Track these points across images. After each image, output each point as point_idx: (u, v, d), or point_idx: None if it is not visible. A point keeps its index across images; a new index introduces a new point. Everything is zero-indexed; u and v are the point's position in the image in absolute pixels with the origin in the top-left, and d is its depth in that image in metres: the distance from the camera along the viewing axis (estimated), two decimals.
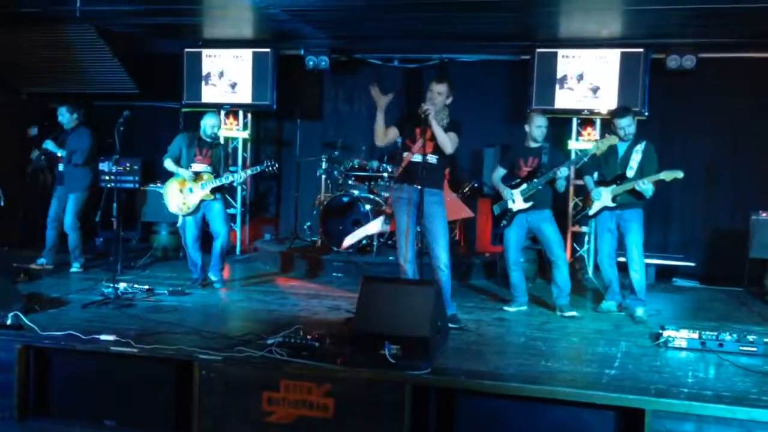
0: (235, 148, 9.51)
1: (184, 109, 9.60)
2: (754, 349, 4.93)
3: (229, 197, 8.52)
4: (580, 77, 8.37)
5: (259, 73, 9.20)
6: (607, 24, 7.67)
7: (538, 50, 8.44)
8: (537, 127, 6.24)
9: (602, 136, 8.34)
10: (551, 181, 6.12)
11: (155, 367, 4.54)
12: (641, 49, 8.14)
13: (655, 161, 6.07)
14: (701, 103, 8.62)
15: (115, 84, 9.38)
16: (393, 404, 4.15)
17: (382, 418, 4.18)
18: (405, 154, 5.70)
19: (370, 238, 8.04)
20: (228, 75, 9.32)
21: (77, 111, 7.71)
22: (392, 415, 4.14)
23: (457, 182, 8.76)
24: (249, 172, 7.04)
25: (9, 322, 4.91)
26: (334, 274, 7.91)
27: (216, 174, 6.81)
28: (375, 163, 8.66)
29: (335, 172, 8.79)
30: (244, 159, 9.65)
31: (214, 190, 6.76)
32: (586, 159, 6.24)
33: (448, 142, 5.51)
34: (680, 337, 5.10)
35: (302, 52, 9.20)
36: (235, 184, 6.85)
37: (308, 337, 4.70)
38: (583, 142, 8.50)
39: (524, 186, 6.21)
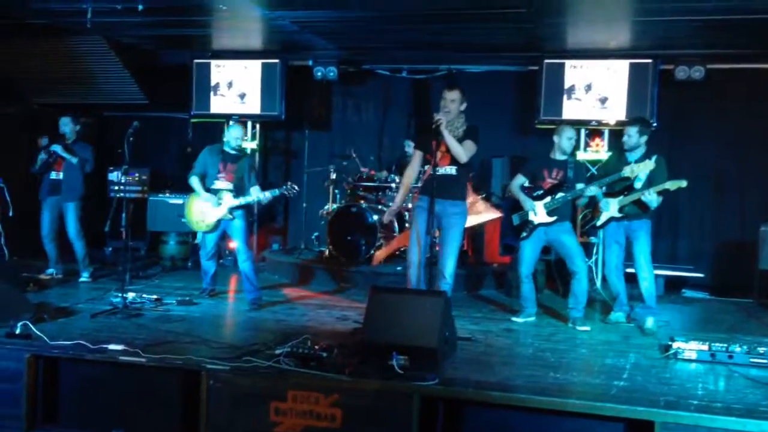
0: (253, 165, 9.52)
1: (193, 120, 9.65)
2: (765, 360, 4.89)
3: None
4: (588, 88, 8.37)
5: (267, 83, 9.24)
6: (616, 35, 7.68)
7: (546, 61, 8.45)
8: (567, 139, 6.17)
9: (610, 146, 8.38)
10: (575, 197, 6.11)
11: (163, 376, 4.55)
12: (649, 60, 8.13)
13: (664, 175, 6.03)
14: (710, 114, 8.61)
15: (125, 95, 9.46)
16: (401, 415, 4.13)
17: (390, 429, 4.16)
18: (426, 168, 5.70)
19: (378, 248, 8.05)
20: (237, 85, 9.36)
21: (79, 123, 7.69)
22: (400, 426, 4.13)
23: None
24: (269, 195, 6.63)
25: (18, 331, 4.93)
26: (341, 284, 7.90)
27: (239, 190, 6.60)
28: (383, 174, 8.68)
29: (343, 183, 8.81)
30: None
31: (232, 210, 6.58)
32: (614, 179, 6.18)
33: (461, 151, 5.51)
34: (690, 348, 5.07)
35: (311, 62, 9.25)
36: (253, 203, 6.72)
37: (316, 347, 4.69)
38: (591, 153, 8.49)
39: (548, 199, 6.13)
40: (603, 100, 8.32)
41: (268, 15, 7.33)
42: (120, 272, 6.72)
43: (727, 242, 8.60)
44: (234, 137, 6.70)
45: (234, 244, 6.79)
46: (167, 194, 9.08)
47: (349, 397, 4.23)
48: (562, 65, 8.43)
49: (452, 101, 5.64)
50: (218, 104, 9.44)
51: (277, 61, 9.18)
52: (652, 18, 6.83)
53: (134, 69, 9.16)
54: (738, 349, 4.97)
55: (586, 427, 4.04)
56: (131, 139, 6.19)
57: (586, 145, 8.58)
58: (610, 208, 6.19)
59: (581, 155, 8.45)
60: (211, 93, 9.43)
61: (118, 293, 6.18)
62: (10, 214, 6.90)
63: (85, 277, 7.64)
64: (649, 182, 6.04)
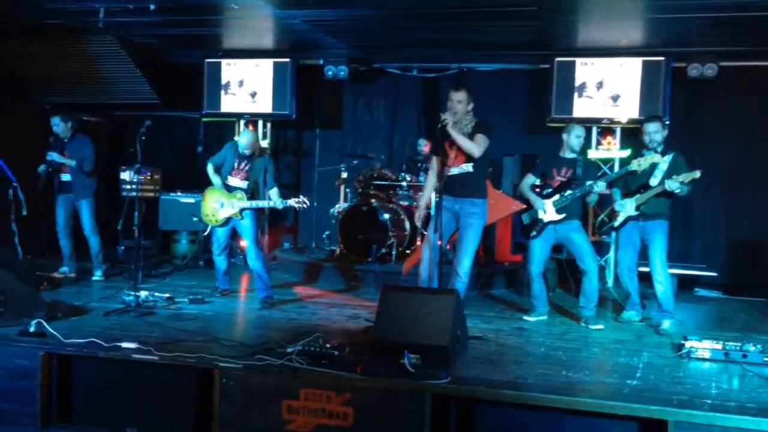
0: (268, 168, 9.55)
1: (204, 119, 9.68)
2: None
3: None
4: (600, 85, 8.33)
5: (279, 83, 9.26)
6: (628, 32, 7.64)
7: (558, 59, 8.42)
8: (576, 137, 6.16)
9: (622, 144, 8.35)
10: (584, 194, 6.10)
11: (176, 374, 4.57)
12: (662, 58, 8.09)
13: (684, 168, 5.97)
14: (722, 112, 8.56)
15: (137, 94, 9.49)
16: (412, 414, 4.13)
17: (402, 428, 4.16)
18: (444, 169, 5.70)
19: (389, 246, 8.05)
20: (248, 84, 9.38)
21: (70, 120, 7.70)
22: (412, 424, 4.13)
23: None
24: (280, 205, 6.56)
25: (32, 329, 4.96)
26: (353, 283, 7.91)
27: (253, 191, 6.65)
28: (396, 172, 8.68)
29: (354, 182, 8.81)
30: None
31: (242, 210, 6.60)
32: (620, 174, 6.17)
33: (472, 146, 5.51)
34: (703, 347, 5.04)
35: (321, 62, 9.26)
36: (265, 207, 6.74)
37: (327, 345, 4.69)
38: (603, 151, 8.46)
39: (557, 197, 6.13)
40: (615, 98, 8.28)
41: (279, 14, 7.34)
42: (132, 271, 6.75)
43: (740, 241, 8.55)
44: (243, 144, 6.72)
45: (244, 243, 6.82)
46: (179, 193, 9.11)
47: (361, 395, 4.23)
48: (573, 63, 8.39)
49: (459, 102, 5.63)
50: (229, 103, 9.47)
51: (288, 60, 9.20)
52: (664, 15, 6.79)
53: (146, 68, 9.20)
54: (752, 348, 4.94)
55: (598, 426, 4.03)
56: (143, 138, 6.22)
57: (598, 143, 8.54)
58: (627, 207, 6.16)
59: (593, 153, 8.42)
60: (222, 92, 9.46)
61: (131, 292, 6.20)
62: (24, 213, 6.93)
63: (97, 275, 7.69)
64: (667, 178, 5.99)
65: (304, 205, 6.55)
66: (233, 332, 5.58)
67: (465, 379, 4.33)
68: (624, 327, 6.20)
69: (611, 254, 8.27)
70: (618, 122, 8.30)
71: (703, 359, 5.01)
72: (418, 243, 8.15)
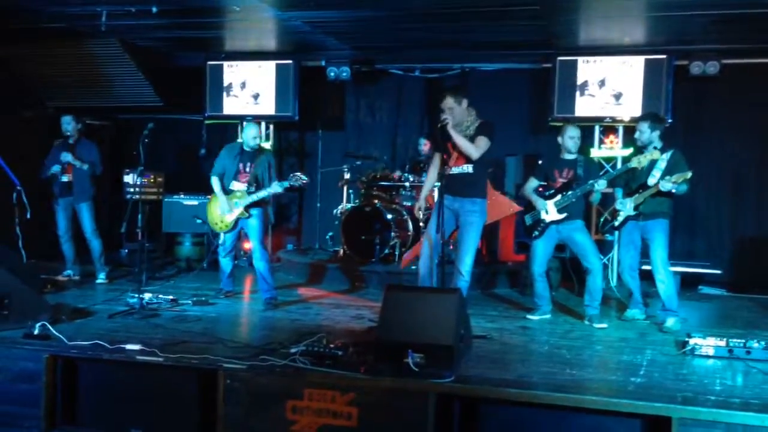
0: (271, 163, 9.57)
1: (206, 122, 9.69)
2: None
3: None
4: (602, 83, 8.32)
5: (281, 84, 9.27)
6: (629, 31, 7.64)
7: (560, 58, 8.41)
8: (569, 138, 6.17)
9: (625, 143, 8.34)
10: (586, 194, 6.09)
11: (180, 375, 4.57)
12: (664, 56, 8.08)
13: (682, 166, 5.98)
14: (725, 110, 8.55)
15: (140, 97, 9.51)
16: (417, 413, 4.13)
17: (406, 427, 4.16)
18: (445, 168, 5.70)
19: (392, 247, 8.06)
20: (250, 86, 9.40)
21: (80, 121, 7.72)
22: (416, 423, 4.12)
23: None
24: (279, 188, 6.61)
25: (36, 332, 4.97)
26: (356, 283, 7.92)
27: (257, 185, 6.69)
28: (399, 173, 8.68)
29: (357, 183, 8.82)
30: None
31: (248, 207, 6.64)
32: (620, 172, 6.16)
33: (471, 149, 5.51)
34: (707, 344, 5.04)
35: (324, 63, 9.26)
36: (266, 196, 6.79)
37: (331, 345, 4.70)
38: (606, 149, 8.45)
39: (559, 197, 6.14)
40: (617, 96, 8.26)
41: (281, 15, 7.35)
42: (136, 273, 6.76)
43: (743, 238, 8.54)
44: (251, 136, 6.77)
45: (249, 244, 6.84)
46: (182, 195, 9.12)
47: (365, 395, 4.23)
48: (575, 62, 8.39)
49: (450, 108, 5.62)
50: (232, 105, 9.48)
51: (290, 61, 9.21)
52: (666, 13, 6.79)
53: (148, 71, 9.22)
54: (756, 345, 4.93)
55: (603, 424, 4.02)
56: (146, 140, 6.24)
57: (600, 142, 8.53)
58: (627, 206, 6.16)
59: (595, 152, 8.42)
60: (224, 94, 9.47)
61: (135, 294, 6.21)
62: (28, 216, 6.95)
63: (101, 278, 7.71)
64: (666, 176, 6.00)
65: (303, 181, 6.61)
66: (237, 333, 5.59)
67: (469, 378, 4.33)
68: (627, 325, 6.19)
69: (614, 253, 8.26)
70: (620, 121, 8.29)
71: (707, 356, 5.00)
72: (408, 235, 8.17)
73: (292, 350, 4.69)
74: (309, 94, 9.52)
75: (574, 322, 6.26)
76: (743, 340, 5.00)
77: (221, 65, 9.45)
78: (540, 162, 6.66)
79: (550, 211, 6.17)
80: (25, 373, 4.70)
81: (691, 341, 5.10)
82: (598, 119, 8.37)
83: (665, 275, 6.07)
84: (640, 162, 5.98)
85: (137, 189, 7.59)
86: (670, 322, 6.00)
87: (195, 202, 8.87)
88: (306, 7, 6.97)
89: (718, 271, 8.25)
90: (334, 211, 9.02)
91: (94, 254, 7.71)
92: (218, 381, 4.42)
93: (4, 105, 9.26)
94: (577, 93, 8.38)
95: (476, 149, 5.52)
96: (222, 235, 7.01)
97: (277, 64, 9.27)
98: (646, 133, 6.09)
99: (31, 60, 9.14)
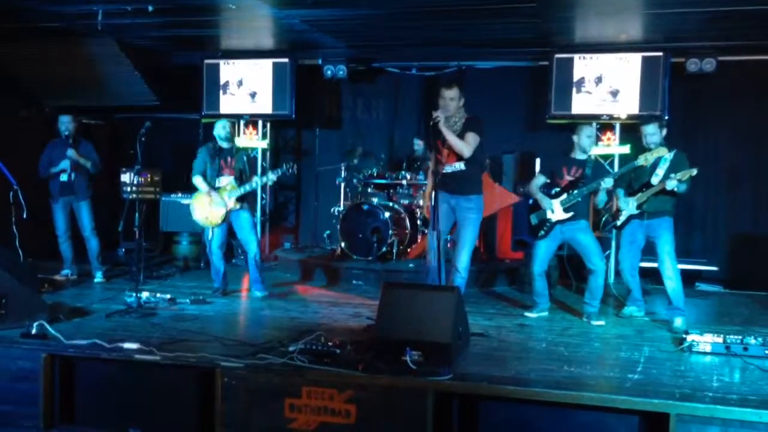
0: (255, 158, 9.56)
1: (203, 120, 9.68)
2: None
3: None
4: (599, 80, 8.32)
5: (278, 82, 9.27)
6: (626, 28, 7.64)
7: (557, 56, 8.41)
8: (587, 137, 6.13)
9: (622, 140, 8.35)
10: (592, 193, 6.09)
11: (178, 374, 4.58)
12: (660, 53, 8.09)
13: (685, 166, 5.98)
14: (722, 107, 8.56)
15: (136, 96, 9.48)
16: (415, 411, 4.14)
17: (405, 425, 4.17)
18: (438, 167, 5.70)
19: (390, 245, 8.06)
20: (247, 84, 9.39)
21: (77, 121, 7.72)
22: (414, 421, 4.13)
23: None
24: (273, 177, 6.86)
25: (34, 331, 4.96)
26: (354, 281, 7.92)
27: (240, 181, 6.80)
28: (398, 172, 8.68)
29: (354, 181, 8.82)
30: (263, 168, 9.70)
31: (238, 200, 6.74)
32: (627, 170, 6.16)
33: (463, 146, 5.53)
34: (704, 341, 5.05)
35: (320, 61, 9.26)
36: (256, 187, 6.86)
37: (329, 343, 4.69)
38: (603, 147, 8.46)
39: (564, 196, 6.10)
40: (614, 93, 8.27)
41: (277, 14, 7.35)
42: (133, 272, 6.75)
43: (740, 235, 8.55)
44: (220, 127, 6.90)
45: (240, 237, 6.90)
46: (179, 194, 9.12)
47: (363, 392, 4.24)
48: (572, 59, 8.38)
49: (451, 99, 5.65)
50: (228, 104, 9.47)
51: (286, 60, 9.21)
52: (662, 10, 6.79)
53: (145, 70, 9.20)
54: (753, 341, 4.95)
55: (601, 420, 4.03)
56: (143, 139, 6.23)
57: (597, 139, 8.53)
58: (629, 205, 6.15)
59: (592, 150, 8.39)
60: (221, 92, 9.46)
61: (132, 293, 6.20)
62: (24, 216, 6.94)
63: (98, 277, 7.69)
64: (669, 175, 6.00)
65: (293, 168, 6.84)
66: (235, 332, 5.58)
67: (467, 376, 4.34)
68: (625, 322, 6.20)
69: (612, 250, 8.27)
70: (617, 118, 8.30)
71: (705, 353, 5.01)
72: (406, 233, 8.22)
73: (291, 348, 4.69)
74: (306, 92, 9.52)
75: (572, 320, 6.27)
76: (740, 337, 5.01)
77: (218, 64, 9.44)
78: (538, 159, 6.65)
79: (556, 210, 6.15)
80: (23, 373, 4.70)
81: (689, 338, 5.11)
82: (595, 116, 8.37)
83: (674, 273, 6.04)
84: (647, 159, 5.96)
85: (134, 188, 7.58)
86: (678, 322, 5.94)
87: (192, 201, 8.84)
88: (302, 5, 6.96)
89: (715, 268, 8.26)
90: (332, 209, 9.02)
91: (92, 253, 7.70)
92: (216, 379, 4.42)
93: (1, 104, 9.24)
94: (574, 90, 8.39)
95: (467, 147, 5.54)
96: (211, 231, 7.00)
97: (273, 63, 9.27)
98: (657, 134, 6.06)
99: (27, 59, 9.10)
